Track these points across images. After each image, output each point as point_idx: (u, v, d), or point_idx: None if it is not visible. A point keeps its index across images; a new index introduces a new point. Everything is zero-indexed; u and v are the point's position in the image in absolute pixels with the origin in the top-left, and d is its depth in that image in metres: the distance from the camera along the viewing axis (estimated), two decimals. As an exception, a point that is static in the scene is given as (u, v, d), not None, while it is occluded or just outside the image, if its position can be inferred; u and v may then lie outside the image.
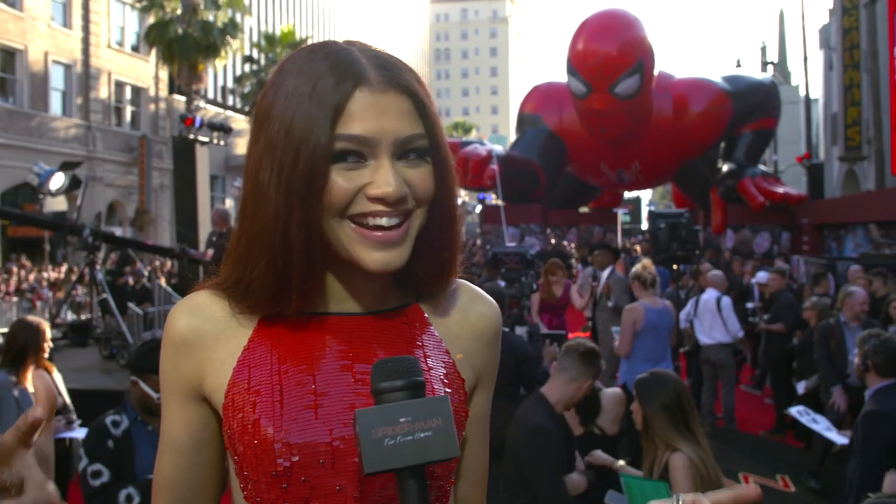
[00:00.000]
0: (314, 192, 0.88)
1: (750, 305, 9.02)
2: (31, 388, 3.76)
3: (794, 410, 5.22)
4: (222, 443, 0.98)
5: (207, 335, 0.96)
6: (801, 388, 6.42)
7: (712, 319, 7.41)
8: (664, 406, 2.71)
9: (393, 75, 0.91)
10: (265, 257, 0.91)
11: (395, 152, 0.89)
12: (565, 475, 3.02)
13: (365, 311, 0.98)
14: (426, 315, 1.02)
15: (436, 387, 0.95)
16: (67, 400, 4.13)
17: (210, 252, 8.57)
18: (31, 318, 4.00)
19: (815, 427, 4.97)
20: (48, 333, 3.89)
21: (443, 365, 0.99)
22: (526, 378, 4.81)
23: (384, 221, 0.89)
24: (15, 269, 18.24)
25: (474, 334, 1.04)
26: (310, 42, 1.14)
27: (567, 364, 3.13)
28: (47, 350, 3.90)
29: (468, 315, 1.05)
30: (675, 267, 9.43)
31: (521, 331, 6.13)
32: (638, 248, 15.50)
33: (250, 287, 0.94)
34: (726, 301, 7.49)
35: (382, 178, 0.88)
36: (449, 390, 0.97)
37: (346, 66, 0.90)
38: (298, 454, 0.88)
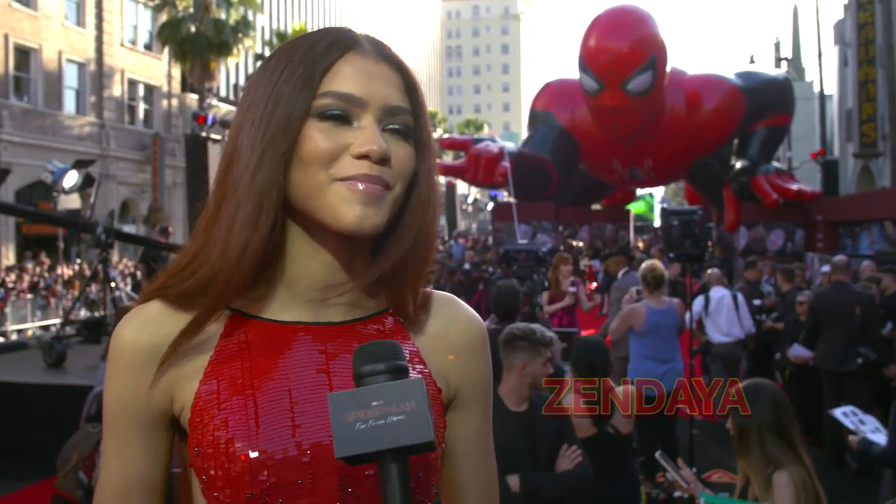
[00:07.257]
0: (287, 142, 0.87)
1: (757, 303, 8.98)
2: None
3: (839, 412, 4.49)
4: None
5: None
6: None
7: (729, 316, 7.43)
8: (762, 420, 2.55)
9: (386, 50, 0.93)
10: (231, 220, 0.87)
11: (382, 120, 0.88)
12: (508, 473, 2.94)
13: (339, 320, 0.94)
14: (403, 325, 0.98)
15: None
16: None
17: None
18: None
19: (861, 428, 4.33)
20: None
21: (418, 374, 0.94)
22: None
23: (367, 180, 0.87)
24: (30, 266, 18.39)
25: (453, 349, 0.99)
26: None
27: (502, 357, 3.14)
28: None
29: (449, 329, 1.00)
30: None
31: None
32: (640, 244, 15.40)
33: (204, 263, 0.88)
34: (742, 297, 7.58)
35: (368, 136, 0.86)
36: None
37: (340, 34, 0.92)
38: (276, 475, 0.84)
